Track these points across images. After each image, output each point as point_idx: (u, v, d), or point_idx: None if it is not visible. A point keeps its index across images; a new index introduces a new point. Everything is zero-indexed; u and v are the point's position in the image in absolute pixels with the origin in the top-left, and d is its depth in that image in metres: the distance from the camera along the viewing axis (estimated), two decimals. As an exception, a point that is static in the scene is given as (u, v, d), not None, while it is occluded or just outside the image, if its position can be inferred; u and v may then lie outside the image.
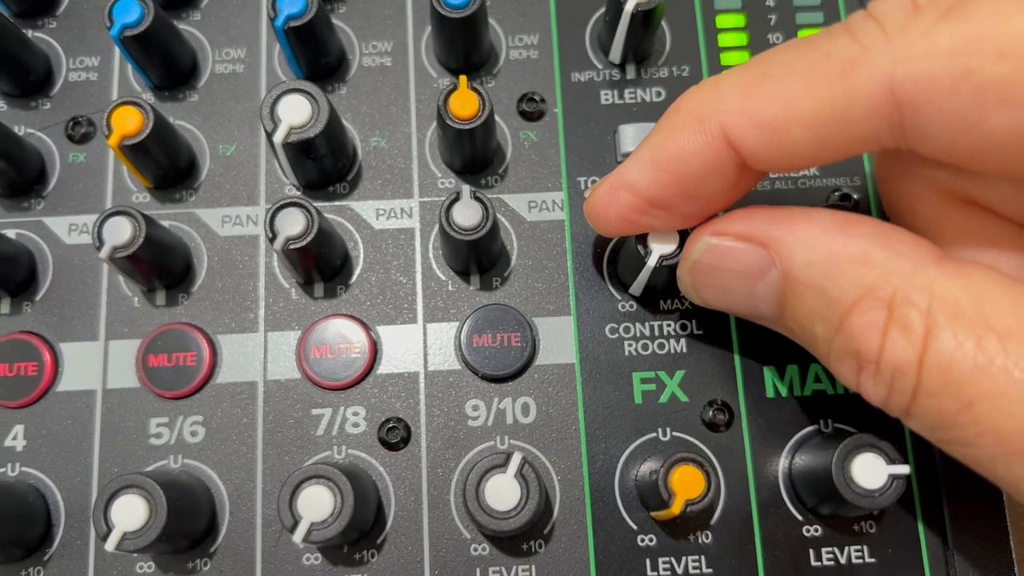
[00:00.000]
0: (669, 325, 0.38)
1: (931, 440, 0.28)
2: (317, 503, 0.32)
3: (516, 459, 0.32)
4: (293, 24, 0.37)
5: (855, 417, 0.37)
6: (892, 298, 0.26)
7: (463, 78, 0.35)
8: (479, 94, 0.36)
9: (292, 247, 0.34)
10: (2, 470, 0.37)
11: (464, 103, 0.35)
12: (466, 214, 0.35)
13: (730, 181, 0.30)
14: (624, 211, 0.32)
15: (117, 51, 0.41)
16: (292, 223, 0.35)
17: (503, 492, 0.32)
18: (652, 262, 0.34)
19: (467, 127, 0.36)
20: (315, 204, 0.35)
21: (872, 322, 0.26)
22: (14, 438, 0.37)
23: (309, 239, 0.34)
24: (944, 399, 0.25)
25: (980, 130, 0.25)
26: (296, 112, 0.36)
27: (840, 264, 0.27)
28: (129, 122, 0.36)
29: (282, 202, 0.35)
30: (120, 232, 0.35)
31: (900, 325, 0.26)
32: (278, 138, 0.35)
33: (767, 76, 0.28)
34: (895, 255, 0.27)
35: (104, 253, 0.34)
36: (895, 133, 0.27)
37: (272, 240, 0.34)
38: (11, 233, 0.39)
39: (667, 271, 0.34)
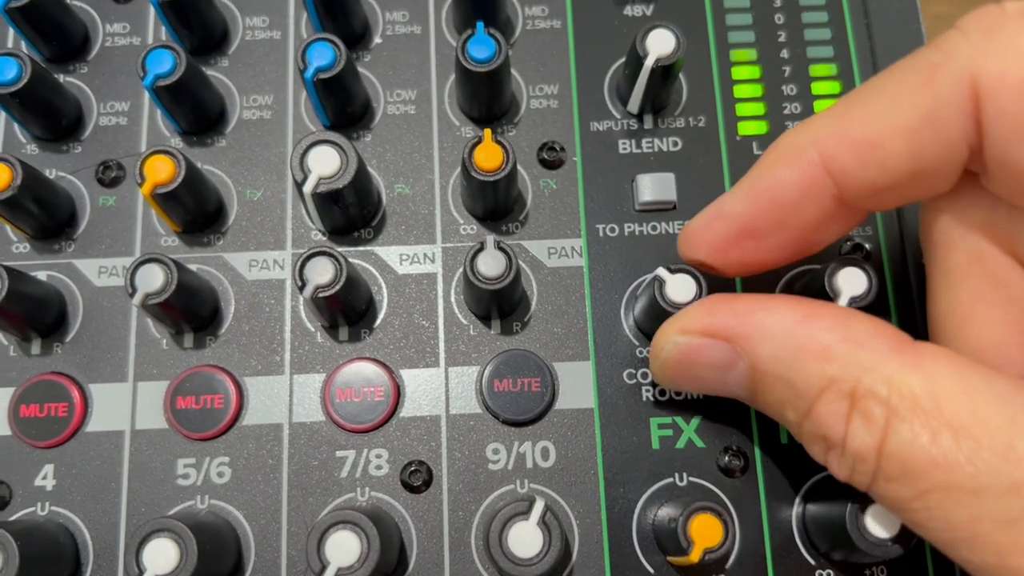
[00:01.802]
0: (686, 371, 0.39)
1: (894, 515, 0.29)
2: (345, 548, 0.33)
3: (539, 506, 0.33)
4: (322, 76, 0.38)
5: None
6: (854, 389, 0.27)
7: (488, 131, 0.36)
8: (503, 147, 0.37)
9: (321, 295, 0.35)
10: (32, 509, 0.37)
11: (489, 156, 0.36)
12: (490, 264, 0.36)
13: (824, 212, 0.31)
14: (717, 239, 0.34)
15: (147, 96, 0.42)
16: (321, 271, 0.36)
17: (526, 539, 0.33)
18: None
19: (491, 179, 0.36)
20: (341, 250, 0.36)
21: (836, 411, 0.28)
22: (44, 478, 0.38)
23: (338, 287, 0.35)
24: (901, 486, 0.27)
25: None
26: (325, 163, 0.37)
27: (803, 358, 0.29)
28: (162, 171, 0.37)
29: (312, 251, 0.36)
30: (153, 279, 0.36)
31: (862, 415, 0.27)
32: (308, 188, 0.36)
33: (858, 100, 0.30)
34: (855, 346, 0.28)
35: (137, 300, 0.35)
36: (979, 135, 0.28)
37: (302, 288, 0.35)
38: (42, 275, 0.40)
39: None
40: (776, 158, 0.32)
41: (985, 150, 0.27)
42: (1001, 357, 0.30)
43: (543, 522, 0.33)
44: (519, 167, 0.41)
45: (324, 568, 0.32)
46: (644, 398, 0.39)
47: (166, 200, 0.37)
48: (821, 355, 0.28)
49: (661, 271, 0.36)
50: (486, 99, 0.40)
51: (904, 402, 0.26)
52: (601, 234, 0.41)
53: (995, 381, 0.26)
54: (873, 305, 0.36)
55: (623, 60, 0.42)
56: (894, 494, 0.27)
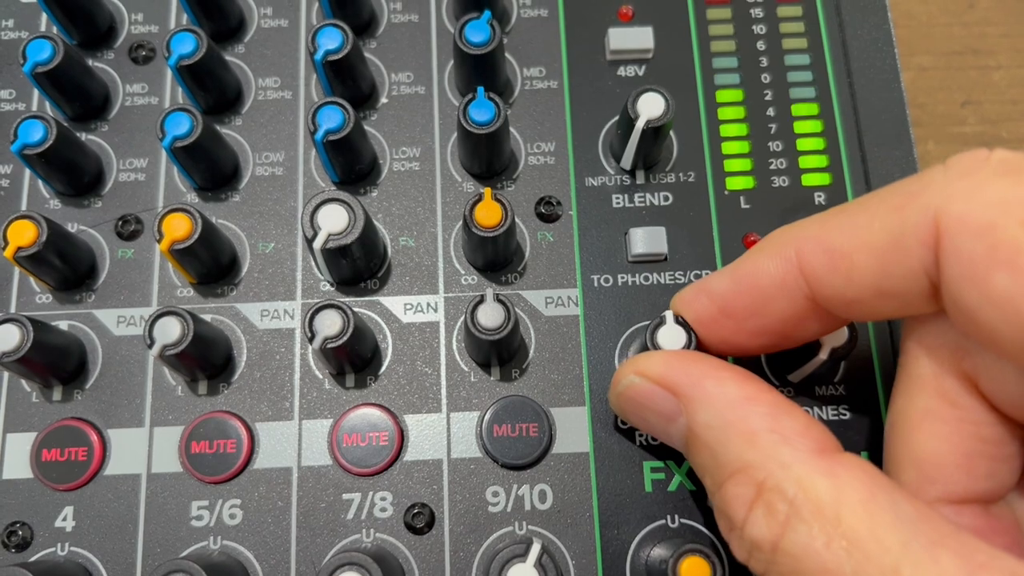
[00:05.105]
0: (677, 417, 0.41)
1: None
2: (351, 589, 0.35)
3: (536, 548, 0.35)
4: (331, 138, 0.40)
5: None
6: (764, 480, 0.29)
7: (488, 190, 0.39)
8: (503, 205, 0.39)
9: (329, 346, 0.37)
10: (53, 549, 0.39)
11: (489, 213, 0.39)
12: (490, 315, 0.38)
13: (797, 309, 0.33)
14: (700, 313, 0.36)
15: (164, 153, 0.45)
16: (329, 324, 0.38)
17: (524, 580, 0.35)
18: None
19: (491, 235, 0.39)
20: (348, 300, 0.38)
21: (742, 495, 0.29)
22: (64, 519, 0.40)
23: (345, 339, 0.37)
24: None
25: (983, 285, 0.26)
26: (334, 220, 0.39)
27: (730, 435, 0.30)
28: (179, 228, 0.39)
29: (320, 304, 0.38)
30: (170, 331, 0.38)
31: (765, 506, 0.28)
32: (318, 244, 0.38)
33: (842, 211, 0.31)
34: (780, 440, 0.29)
35: (155, 351, 0.37)
36: (938, 270, 0.28)
37: (311, 340, 0.37)
38: (64, 325, 0.42)
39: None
40: (762, 248, 0.33)
41: (941, 285, 0.28)
42: (938, 471, 0.32)
43: (539, 564, 0.35)
44: (517, 220, 0.43)
45: (332, 608, 0.34)
46: (637, 442, 0.40)
47: (183, 255, 0.39)
48: (746, 438, 0.30)
49: (668, 313, 0.37)
50: (486, 157, 0.42)
51: (808, 504, 0.27)
52: (596, 284, 0.43)
53: (901, 504, 0.27)
54: (855, 355, 0.38)
55: (616, 119, 0.44)
56: None
